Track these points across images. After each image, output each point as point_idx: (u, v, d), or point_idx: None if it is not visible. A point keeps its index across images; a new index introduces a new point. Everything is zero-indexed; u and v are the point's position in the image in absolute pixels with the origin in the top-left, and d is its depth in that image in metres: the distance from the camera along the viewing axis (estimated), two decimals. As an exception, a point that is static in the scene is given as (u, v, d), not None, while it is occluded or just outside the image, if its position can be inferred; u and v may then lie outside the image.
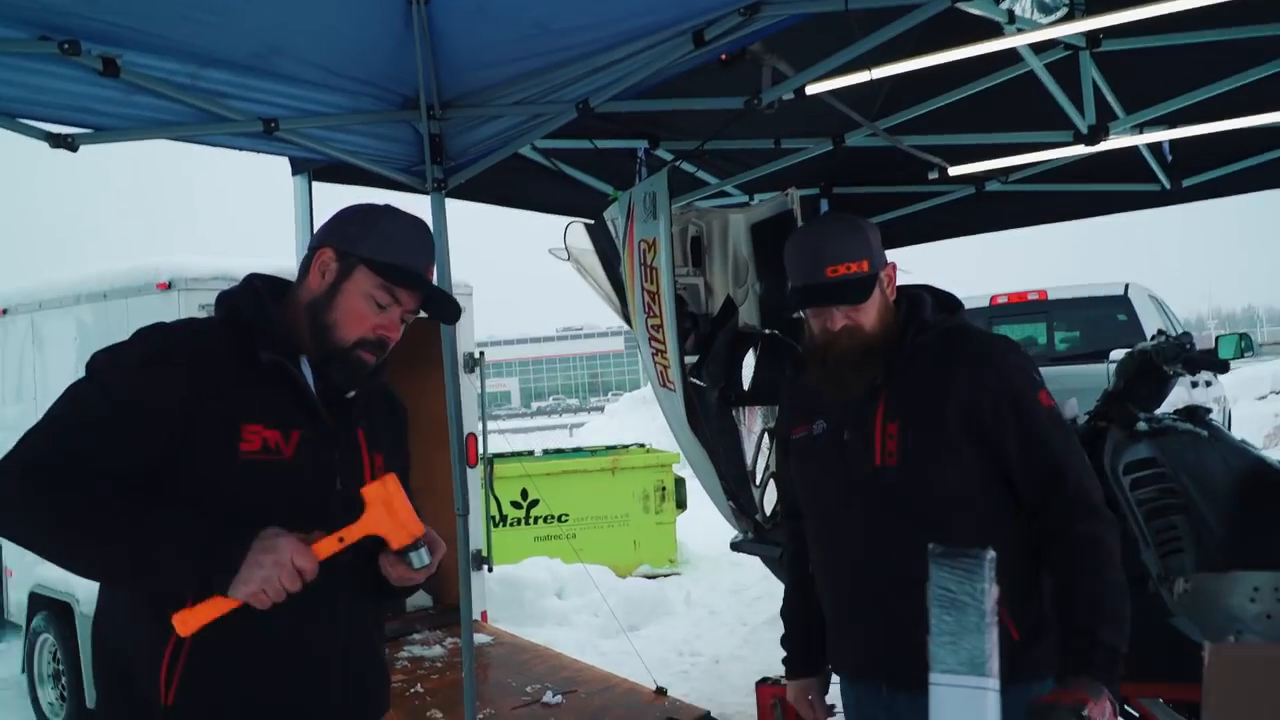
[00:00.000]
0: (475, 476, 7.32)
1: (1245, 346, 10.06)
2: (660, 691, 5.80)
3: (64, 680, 5.98)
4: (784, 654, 2.53)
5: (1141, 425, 3.56)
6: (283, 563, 1.68)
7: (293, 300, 1.96)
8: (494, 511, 7.43)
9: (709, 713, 5.59)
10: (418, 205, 3.51)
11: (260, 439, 1.81)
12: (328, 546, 1.76)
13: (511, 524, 9.59)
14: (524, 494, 9.73)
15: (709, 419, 4.30)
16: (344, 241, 1.93)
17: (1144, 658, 3.23)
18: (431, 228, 3.49)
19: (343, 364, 1.91)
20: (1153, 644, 3.23)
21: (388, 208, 1.99)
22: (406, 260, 1.91)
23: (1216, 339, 9.29)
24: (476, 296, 7.57)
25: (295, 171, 3.70)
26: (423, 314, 2.00)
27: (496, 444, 11.05)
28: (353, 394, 1.96)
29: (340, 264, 1.92)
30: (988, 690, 1.56)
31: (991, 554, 1.61)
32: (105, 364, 1.81)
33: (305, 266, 1.96)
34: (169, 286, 5.59)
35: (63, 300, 6.40)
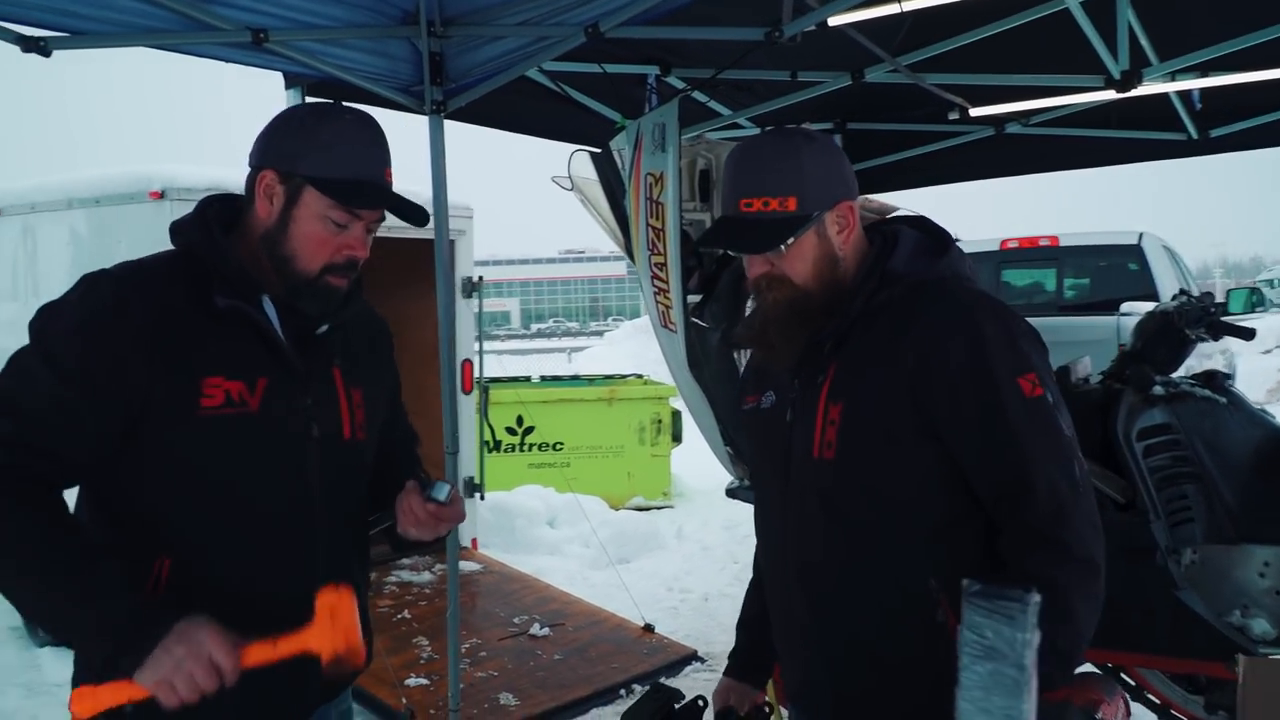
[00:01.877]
0: (470, 403, 7.24)
1: (1256, 301, 9.94)
2: (648, 628, 5.78)
3: None
4: None
5: (1158, 389, 3.45)
6: (199, 656, 1.51)
7: (246, 230, 1.77)
8: (488, 438, 7.34)
9: (696, 652, 5.58)
10: (416, 127, 3.35)
11: (223, 392, 1.66)
12: (259, 653, 1.60)
13: (506, 450, 9.53)
14: (519, 420, 9.66)
15: (709, 361, 4.18)
16: (284, 160, 1.73)
17: (1146, 630, 3.18)
18: (430, 153, 3.41)
19: (313, 295, 1.74)
20: (1156, 617, 3.17)
21: (325, 109, 1.79)
22: (356, 170, 1.72)
23: (1228, 293, 9.18)
24: (477, 216, 7.41)
25: (289, 85, 3.52)
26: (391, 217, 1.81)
27: (494, 368, 10.98)
28: (324, 329, 1.81)
29: (285, 187, 1.73)
30: None
31: (1037, 598, 1.38)
32: (47, 329, 1.64)
33: (250, 190, 1.77)
34: (161, 196, 5.46)
35: (55, 204, 6.27)
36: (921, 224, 1.92)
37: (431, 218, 3.47)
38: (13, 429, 1.57)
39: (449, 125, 3.47)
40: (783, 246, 1.76)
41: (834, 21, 3.48)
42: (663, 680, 5.26)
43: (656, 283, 3.88)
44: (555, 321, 67.41)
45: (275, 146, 1.75)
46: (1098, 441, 3.35)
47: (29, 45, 2.54)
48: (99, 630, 1.54)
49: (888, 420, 1.70)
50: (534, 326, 69.61)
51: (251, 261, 1.75)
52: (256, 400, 1.70)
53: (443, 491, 1.83)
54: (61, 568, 1.54)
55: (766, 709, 2.13)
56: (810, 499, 1.78)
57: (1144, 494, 3.18)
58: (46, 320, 1.65)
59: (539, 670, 5.26)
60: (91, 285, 1.67)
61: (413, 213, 1.81)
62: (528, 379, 10.98)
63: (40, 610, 1.60)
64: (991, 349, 1.66)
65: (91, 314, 1.63)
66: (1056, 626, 1.58)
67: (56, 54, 2.70)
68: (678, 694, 2.13)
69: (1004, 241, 9.37)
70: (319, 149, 1.71)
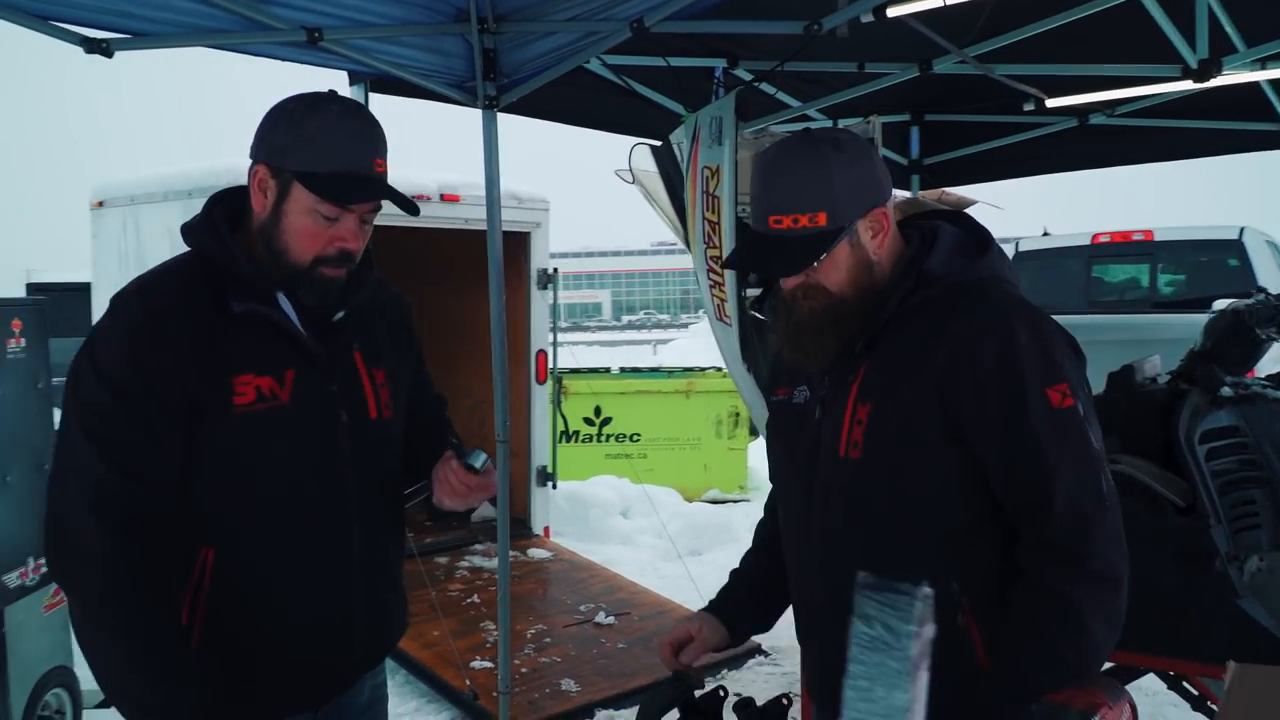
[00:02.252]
0: (544, 393, 7.33)
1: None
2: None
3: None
4: None
5: (1226, 390, 3.32)
6: None
7: (249, 225, 1.82)
8: (561, 428, 7.43)
9: (760, 645, 5.56)
10: (470, 121, 3.41)
11: (254, 388, 1.73)
12: None
13: (583, 440, 9.62)
14: (597, 411, 9.73)
15: (766, 355, 4.16)
16: (274, 154, 1.76)
17: (1204, 637, 3.08)
18: (483, 147, 3.47)
19: (308, 286, 1.79)
20: (1214, 624, 3.06)
21: (314, 99, 1.78)
22: (343, 164, 1.73)
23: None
24: (559, 210, 7.49)
25: (353, 82, 3.61)
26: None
27: (575, 359, 11.05)
28: (340, 316, 1.86)
29: (276, 182, 1.76)
30: None
31: (927, 591, 1.35)
32: (98, 360, 1.70)
33: (248, 183, 1.81)
34: (250, 185, 5.65)
35: (152, 196, 6.56)
36: (962, 221, 1.88)
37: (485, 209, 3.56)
38: (103, 468, 1.64)
39: (520, 120, 3.53)
40: (816, 264, 1.73)
41: (893, 12, 3.42)
42: (725, 673, 5.27)
43: (712, 276, 3.88)
44: (646, 313, 67.55)
45: (268, 140, 1.78)
46: (1159, 443, 3.25)
47: (92, 47, 2.65)
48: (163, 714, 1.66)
49: (914, 421, 1.68)
50: (625, 318, 69.82)
51: (259, 257, 1.80)
52: (287, 393, 1.76)
53: (479, 459, 1.89)
54: (151, 646, 1.66)
55: (785, 701, 2.13)
56: (835, 498, 1.78)
57: (1204, 498, 3.07)
58: (94, 353, 1.71)
59: (602, 658, 5.31)
60: (121, 307, 1.74)
61: (403, 203, 1.84)
62: (607, 370, 11.05)
63: (107, 671, 1.68)
64: (1022, 355, 1.63)
65: (130, 334, 1.70)
66: (1067, 641, 1.59)
67: (127, 54, 2.82)
68: (698, 682, 2.14)
69: (1095, 235, 9.08)
70: (305, 142, 1.73)
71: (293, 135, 1.75)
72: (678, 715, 2.11)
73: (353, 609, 1.90)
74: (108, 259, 7.06)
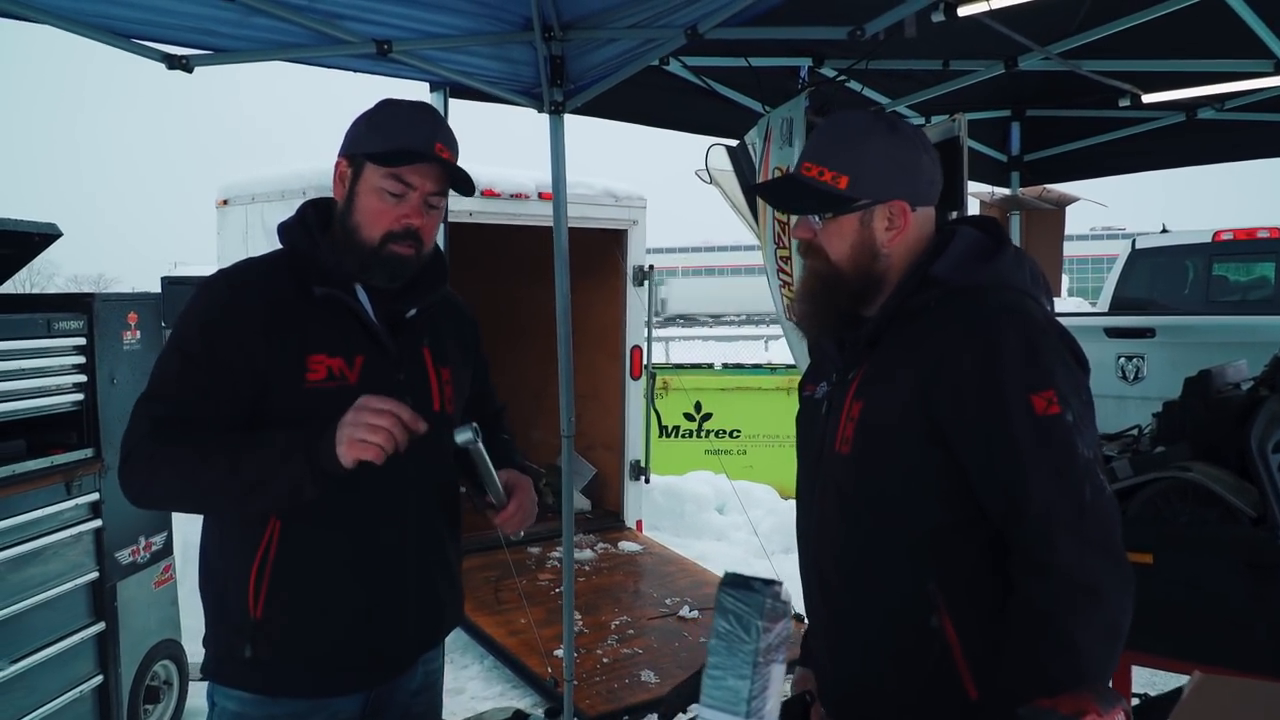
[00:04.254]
0: (638, 389, 7.43)
1: None
2: (798, 618, 5.76)
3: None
4: None
5: (1308, 398, 3.20)
6: (371, 411, 1.72)
7: (334, 221, 1.99)
8: (654, 423, 7.52)
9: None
10: (539, 125, 3.52)
11: (325, 368, 1.89)
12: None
13: (683, 435, 9.69)
14: (697, 407, 9.79)
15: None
16: (350, 147, 1.96)
17: (1274, 649, 2.98)
18: (550, 150, 3.56)
19: (380, 264, 1.93)
20: (1281, 637, 2.96)
21: (391, 100, 1.99)
22: (404, 142, 1.90)
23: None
24: (655, 207, 7.56)
25: (433, 90, 3.77)
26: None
27: (674, 355, 11.09)
28: (412, 313, 2.00)
29: (351, 168, 1.95)
30: None
31: (778, 590, 1.34)
32: (179, 328, 1.91)
33: (333, 180, 2.00)
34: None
35: (270, 195, 6.98)
36: (985, 225, 1.87)
37: (553, 210, 3.66)
38: (163, 410, 1.85)
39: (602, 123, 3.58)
40: (818, 219, 1.78)
41: (964, 11, 3.40)
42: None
43: (782, 275, 3.91)
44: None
45: (349, 138, 1.98)
46: (1235, 451, 3.16)
47: (174, 63, 2.84)
48: (289, 455, 1.75)
49: (900, 422, 1.70)
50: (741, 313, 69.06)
51: (342, 249, 1.96)
52: (355, 375, 1.91)
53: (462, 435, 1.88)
54: (236, 447, 1.79)
55: (808, 698, 2.16)
56: (830, 493, 1.82)
57: (1276, 508, 2.97)
58: (180, 322, 1.93)
59: (683, 651, 5.37)
60: (210, 285, 1.95)
61: (460, 180, 1.97)
62: (710, 366, 11.09)
63: (233, 488, 1.79)
64: (1005, 361, 1.62)
65: (210, 309, 1.90)
66: (1052, 656, 1.57)
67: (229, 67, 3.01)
68: None
69: (1218, 233, 8.69)
70: (374, 129, 1.94)
71: (367, 128, 1.95)
72: None
73: (406, 593, 2.01)
74: (232, 253, 7.50)
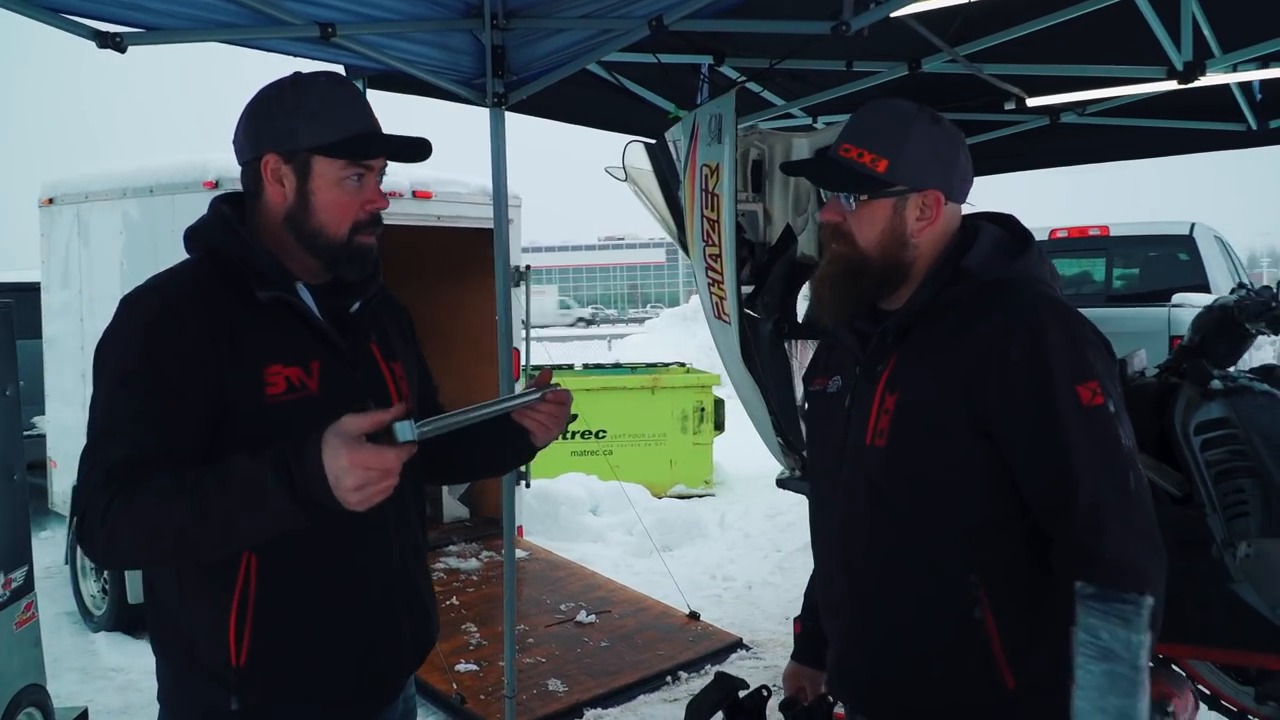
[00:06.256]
0: (517, 390, 7.28)
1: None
2: (693, 616, 5.82)
3: (105, 575, 6.06)
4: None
5: (1216, 383, 3.42)
6: (348, 438, 1.48)
7: (262, 221, 1.80)
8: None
9: (741, 640, 5.60)
10: (476, 120, 3.39)
11: (284, 379, 1.71)
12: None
13: (549, 437, 9.59)
14: (563, 408, 9.70)
15: (761, 352, 4.19)
16: (281, 140, 1.75)
17: (1201, 622, 3.17)
18: (490, 145, 3.45)
19: (349, 258, 1.79)
20: (1210, 609, 3.15)
21: (297, 79, 1.78)
22: (353, 127, 1.75)
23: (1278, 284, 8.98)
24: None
25: (351, 78, 3.56)
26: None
27: (539, 356, 10.96)
28: (356, 308, 1.86)
29: (293, 165, 1.75)
30: None
31: (1150, 601, 1.38)
32: (112, 356, 1.67)
33: (254, 180, 1.79)
34: (216, 185, 5.50)
35: (110, 193, 6.35)
36: (1005, 222, 1.90)
37: (492, 208, 3.54)
38: (117, 452, 1.59)
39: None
40: (852, 200, 1.79)
41: (896, 13, 3.47)
42: (709, 668, 5.29)
43: (711, 274, 3.90)
44: (594, 309, 67.30)
45: (267, 130, 1.76)
46: (1153, 435, 3.34)
47: (105, 41, 2.55)
48: (266, 491, 1.49)
49: (940, 413, 1.70)
50: (575, 314, 69.58)
51: (279, 249, 1.78)
52: (315, 382, 1.74)
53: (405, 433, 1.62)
54: (202, 488, 1.51)
55: (765, 693, 2.16)
56: (860, 486, 1.80)
57: (1200, 488, 3.16)
58: (109, 350, 1.68)
59: (586, 657, 5.32)
60: (136, 302, 1.70)
61: (418, 148, 1.82)
62: (570, 367, 11.03)
63: (208, 536, 1.54)
64: (1052, 352, 1.64)
65: (147, 327, 1.66)
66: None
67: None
68: (741, 683, 2.16)
69: (1053, 231, 9.27)
70: (310, 118, 1.73)
71: (296, 117, 1.73)
72: (722, 716, 2.13)
73: (398, 606, 1.88)
74: (60, 257, 6.87)
